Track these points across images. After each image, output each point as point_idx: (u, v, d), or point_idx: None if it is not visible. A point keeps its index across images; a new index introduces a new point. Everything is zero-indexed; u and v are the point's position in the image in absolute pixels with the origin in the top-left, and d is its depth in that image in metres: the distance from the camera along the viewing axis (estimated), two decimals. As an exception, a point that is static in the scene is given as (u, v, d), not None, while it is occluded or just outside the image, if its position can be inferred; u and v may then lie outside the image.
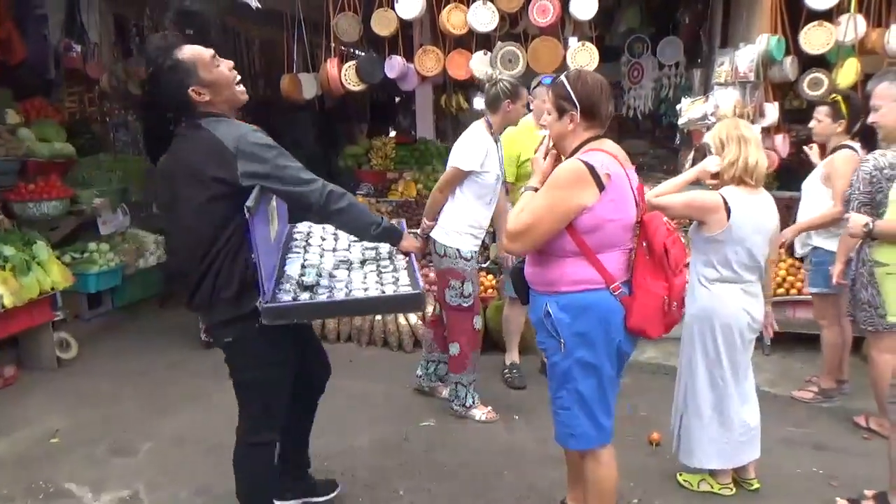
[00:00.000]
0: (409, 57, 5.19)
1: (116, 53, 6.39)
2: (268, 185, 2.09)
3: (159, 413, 3.80)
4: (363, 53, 5.74)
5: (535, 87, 3.92)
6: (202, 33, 6.85)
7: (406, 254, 2.50)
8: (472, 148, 3.42)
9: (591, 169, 2.03)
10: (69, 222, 5.16)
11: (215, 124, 2.10)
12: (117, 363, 4.58)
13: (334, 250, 2.57)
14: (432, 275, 4.21)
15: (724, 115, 4.57)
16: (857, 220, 2.84)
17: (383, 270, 2.39)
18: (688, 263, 2.25)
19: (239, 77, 2.20)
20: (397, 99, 10.17)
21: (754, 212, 2.64)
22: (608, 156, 2.07)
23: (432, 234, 3.53)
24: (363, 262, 2.47)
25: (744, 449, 2.83)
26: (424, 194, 6.08)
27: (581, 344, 2.14)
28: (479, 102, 8.23)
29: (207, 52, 2.12)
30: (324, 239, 2.68)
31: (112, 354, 4.74)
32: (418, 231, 3.57)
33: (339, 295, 2.17)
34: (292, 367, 2.36)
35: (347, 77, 5.24)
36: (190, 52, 2.10)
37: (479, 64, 5.02)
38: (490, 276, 5.11)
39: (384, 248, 2.58)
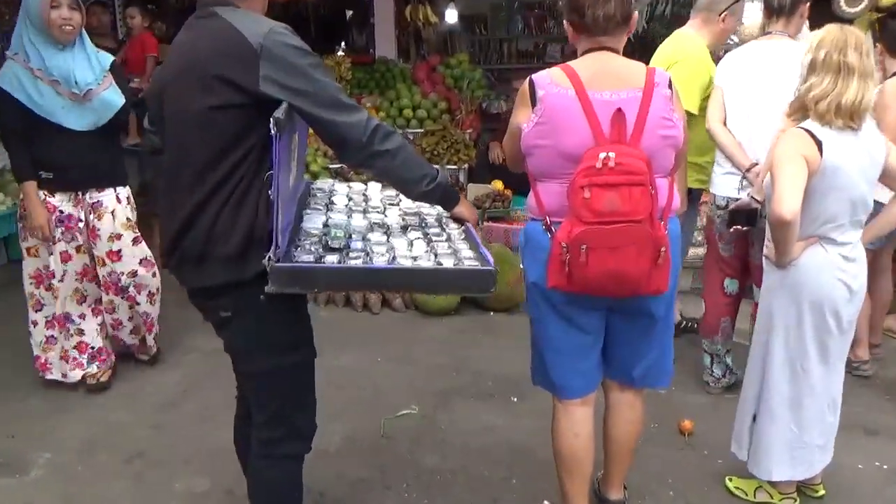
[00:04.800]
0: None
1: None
2: (297, 105, 1.53)
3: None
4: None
5: (733, 3, 3.08)
6: None
7: (460, 222, 1.91)
8: None
9: (531, 85, 1.82)
10: None
11: (235, 14, 1.57)
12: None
13: (365, 212, 1.97)
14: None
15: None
16: None
17: (435, 239, 1.77)
18: (630, 220, 1.71)
19: None
20: (348, 13, 9.03)
21: (856, 150, 2.00)
22: (561, 73, 1.79)
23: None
24: (405, 228, 1.86)
25: (821, 454, 2.27)
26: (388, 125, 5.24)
27: (528, 267, 1.98)
28: (451, 15, 7.13)
29: None
30: (350, 199, 2.08)
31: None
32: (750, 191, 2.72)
33: (380, 261, 1.59)
34: (313, 350, 1.81)
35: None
36: None
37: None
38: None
39: (429, 213, 1.99)
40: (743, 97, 2.80)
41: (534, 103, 1.80)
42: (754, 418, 2.28)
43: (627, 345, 2.03)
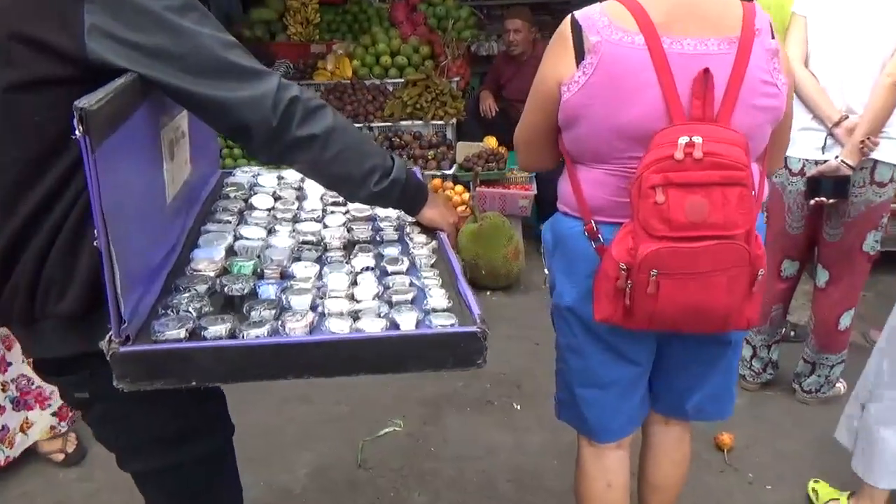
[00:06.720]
0: None
1: None
2: (152, 76, 0.96)
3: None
4: None
5: None
6: None
7: (430, 232, 1.31)
8: None
9: (576, 27, 1.26)
10: None
11: None
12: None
13: (295, 220, 1.35)
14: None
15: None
16: None
17: (392, 270, 1.18)
18: (723, 236, 1.18)
19: None
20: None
21: None
22: (623, 10, 1.23)
23: (876, 155, 2.16)
24: (349, 248, 1.25)
25: None
26: (363, 74, 4.60)
27: (560, 281, 1.48)
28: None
29: None
30: (277, 198, 1.44)
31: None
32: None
33: (297, 327, 0.98)
34: (227, 427, 1.29)
35: None
36: None
37: None
38: (459, 188, 3.81)
39: (388, 217, 1.38)
40: (833, 31, 2.17)
41: (581, 54, 1.25)
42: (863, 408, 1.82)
43: (685, 374, 1.54)
